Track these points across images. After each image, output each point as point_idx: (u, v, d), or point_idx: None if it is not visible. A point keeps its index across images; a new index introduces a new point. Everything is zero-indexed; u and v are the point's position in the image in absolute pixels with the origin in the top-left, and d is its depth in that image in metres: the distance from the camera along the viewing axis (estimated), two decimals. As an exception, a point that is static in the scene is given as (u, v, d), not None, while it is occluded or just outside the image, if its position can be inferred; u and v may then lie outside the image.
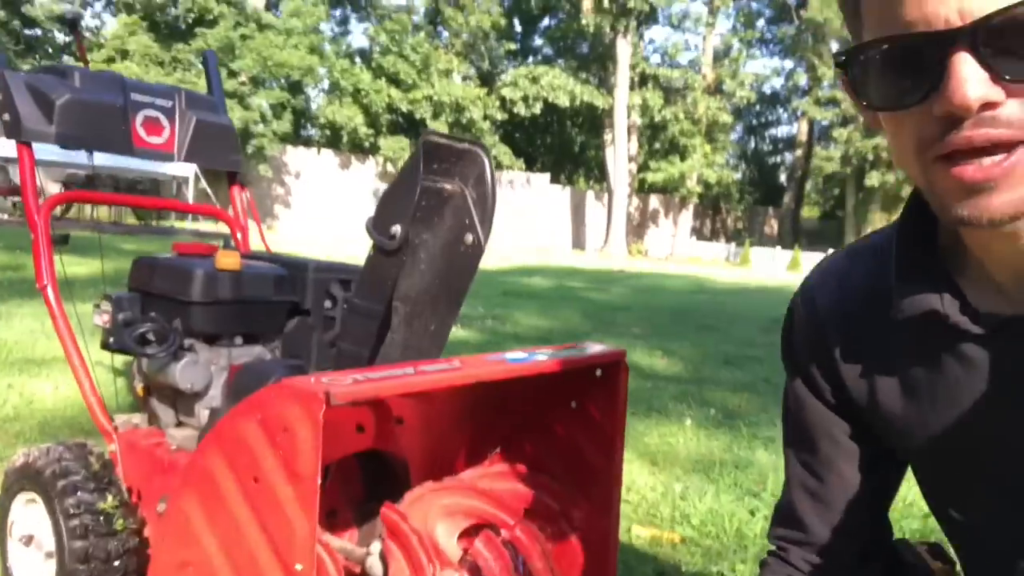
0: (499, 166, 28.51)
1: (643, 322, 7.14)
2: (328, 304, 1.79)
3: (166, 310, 1.66)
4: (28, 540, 1.57)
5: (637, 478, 2.73)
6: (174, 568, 1.17)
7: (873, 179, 28.92)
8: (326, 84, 26.13)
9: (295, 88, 24.50)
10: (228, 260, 1.63)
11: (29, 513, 1.57)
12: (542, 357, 1.41)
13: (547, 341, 5.55)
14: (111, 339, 1.68)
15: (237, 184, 2.19)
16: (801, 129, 35.38)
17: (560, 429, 1.74)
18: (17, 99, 1.73)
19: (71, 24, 2.55)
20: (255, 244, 2.22)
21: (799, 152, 35.55)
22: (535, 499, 1.69)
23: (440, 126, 25.31)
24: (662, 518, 2.38)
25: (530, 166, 31.71)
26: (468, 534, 1.60)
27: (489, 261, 14.95)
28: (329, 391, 0.99)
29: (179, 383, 1.59)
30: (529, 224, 28.34)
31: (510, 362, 1.33)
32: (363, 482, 1.76)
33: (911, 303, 0.71)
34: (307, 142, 27.50)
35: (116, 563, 1.47)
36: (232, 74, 21.88)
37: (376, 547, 1.48)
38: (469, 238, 1.54)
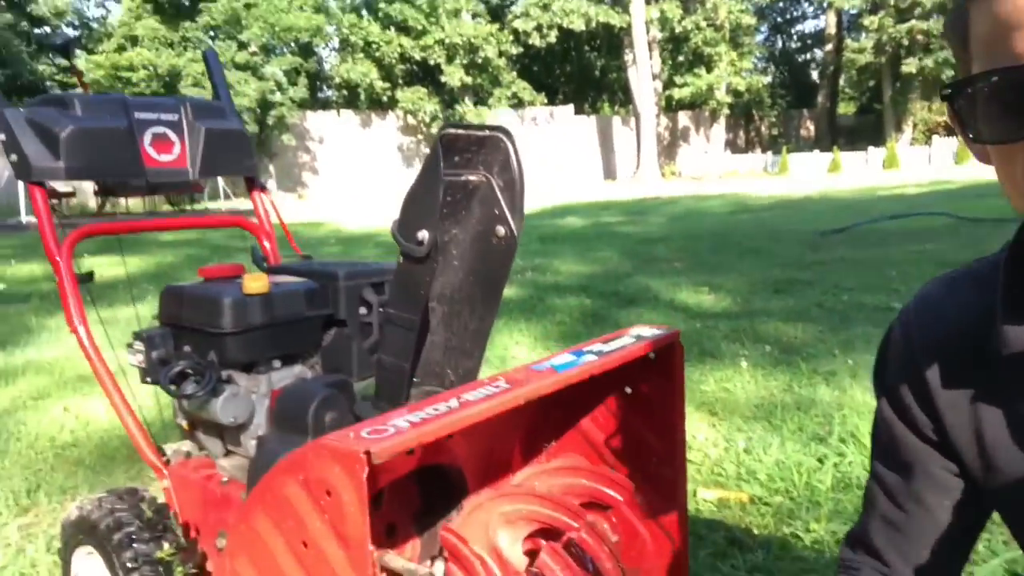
0: (520, 103, 27.99)
1: (684, 253, 6.99)
2: (363, 311, 1.73)
3: (198, 343, 1.62)
4: (95, 590, 1.57)
5: (697, 433, 2.66)
6: (236, 626, 1.15)
7: (910, 66, 27.63)
8: (336, 42, 25.77)
9: (306, 51, 24.24)
10: (255, 284, 1.57)
11: (90, 565, 1.57)
12: (591, 357, 1.33)
13: (588, 288, 5.46)
14: (148, 377, 1.65)
15: (256, 188, 2.12)
16: (829, 21, 33.79)
17: (617, 416, 1.67)
18: (21, 138, 1.67)
19: (63, 50, 2.48)
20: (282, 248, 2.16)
21: (829, 46, 34.05)
22: (597, 492, 1.64)
23: (455, 70, 24.84)
24: (727, 476, 2.32)
25: (552, 99, 31.06)
26: (532, 537, 1.56)
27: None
28: (371, 449, 0.93)
29: (221, 418, 1.55)
30: (558, 159, 27.93)
31: (559, 371, 1.25)
32: (420, 494, 1.72)
33: (1019, 337, 0.64)
34: (325, 104, 27.33)
35: (182, 608, 1.46)
36: (242, 46, 21.69)
37: (440, 568, 1.45)
38: (501, 230, 1.45)
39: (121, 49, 21.00)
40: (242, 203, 20.06)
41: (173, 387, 1.50)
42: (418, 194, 1.31)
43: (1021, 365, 0.66)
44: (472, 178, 1.40)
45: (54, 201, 2.01)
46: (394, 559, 1.61)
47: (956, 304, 0.76)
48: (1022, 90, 0.57)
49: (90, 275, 1.77)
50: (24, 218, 15.11)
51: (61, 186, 1.97)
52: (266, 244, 2.08)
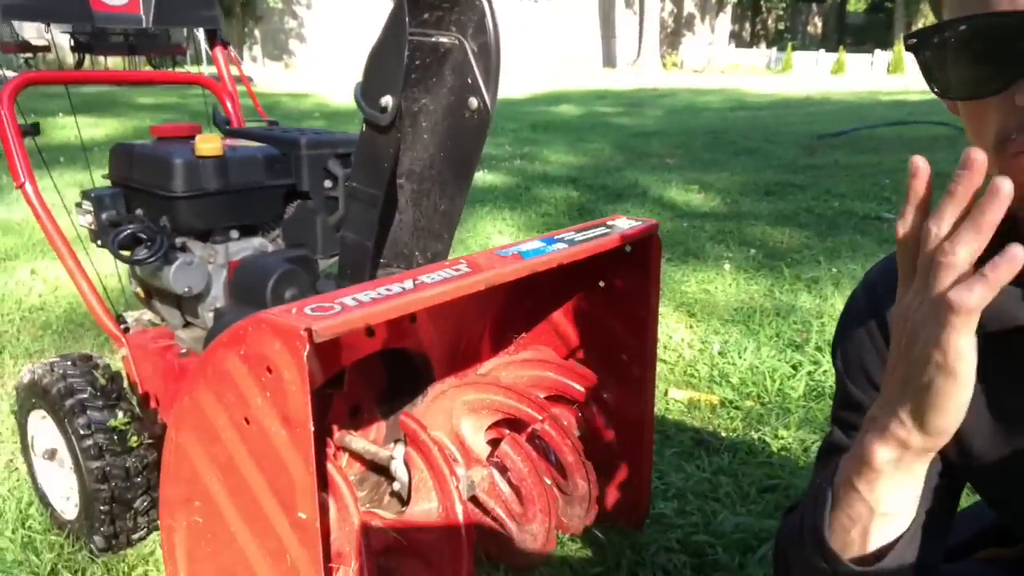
0: (521, -23, 26.57)
1: (678, 149, 6.82)
2: (328, 184, 1.62)
3: (150, 205, 1.52)
4: (51, 454, 1.54)
5: (674, 334, 2.63)
6: (180, 502, 1.11)
7: (929, -36, 26.41)
8: None
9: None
10: (208, 145, 1.45)
11: (45, 428, 1.53)
12: (561, 245, 1.25)
13: (576, 180, 5.33)
14: (98, 240, 1.56)
15: (219, 43, 1.95)
16: (850, -91, 32.01)
17: (589, 309, 1.62)
18: None
19: None
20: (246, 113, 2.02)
21: (848, -62, 32.40)
22: (564, 385, 1.60)
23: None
24: (700, 378, 2.31)
25: (554, -25, 29.51)
26: (497, 427, 1.53)
27: (516, 89, 14.33)
28: (312, 327, 0.86)
29: (174, 287, 1.48)
30: (556, 41, 26.87)
31: (525, 257, 1.18)
32: (387, 378, 1.68)
33: (997, 316, 0.59)
34: (316, -35, 25.78)
35: (138, 479, 1.43)
36: None
37: (400, 451, 1.42)
38: (474, 102, 1.33)
39: None
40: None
41: (124, 252, 1.41)
42: (381, 53, 1.18)
43: (1003, 342, 0.61)
44: (443, 40, 1.27)
45: (28, 55, 1.84)
46: (355, 440, 1.59)
47: None
48: (993, 39, 0.51)
49: (35, 126, 1.65)
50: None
51: (36, 40, 1.80)
52: (228, 106, 1.94)
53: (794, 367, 2.32)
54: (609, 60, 28.74)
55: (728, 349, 2.48)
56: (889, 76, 21.50)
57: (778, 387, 2.20)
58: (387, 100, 1.21)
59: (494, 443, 1.53)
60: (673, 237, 3.86)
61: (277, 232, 1.66)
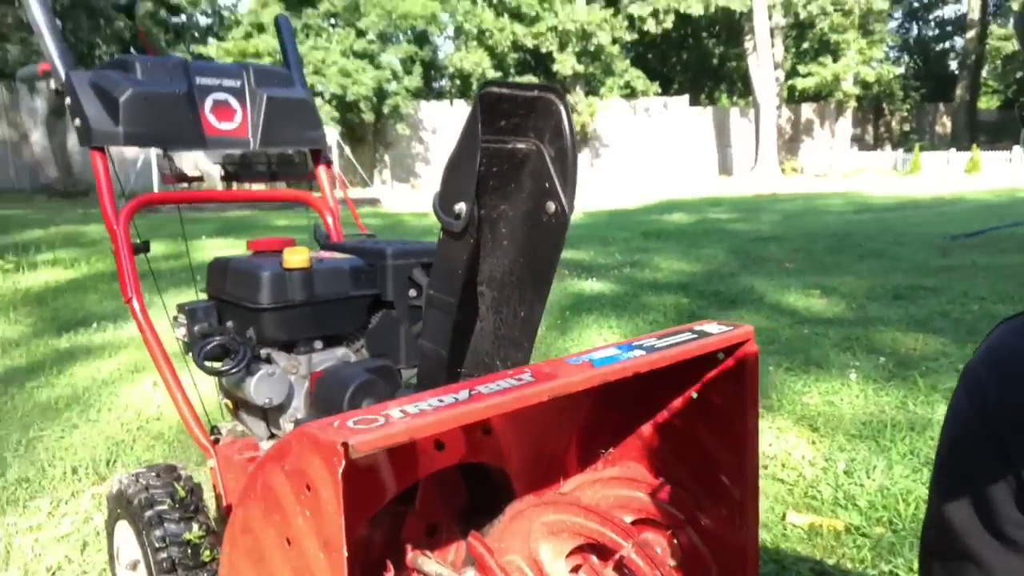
0: (633, 93, 27.43)
1: (797, 254, 6.55)
2: (413, 293, 1.61)
3: (239, 317, 1.55)
4: (134, 565, 1.54)
5: (794, 450, 2.41)
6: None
7: (1066, 57, 25.16)
8: (451, 30, 26.06)
9: (421, 39, 24.63)
10: (295, 258, 1.48)
11: (128, 539, 1.53)
12: (639, 352, 1.16)
13: (687, 287, 5.19)
14: (190, 352, 1.60)
15: (323, 163, 2.04)
16: (972, 5, 31.19)
17: (681, 424, 1.49)
18: (84, 102, 1.65)
19: (127, 10, 2.49)
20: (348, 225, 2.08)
21: (971, 33, 31.43)
22: (654, 507, 1.46)
23: (567, 58, 24.59)
24: (823, 500, 2.07)
25: (666, 89, 30.29)
26: (583, 552, 1.40)
27: (627, 200, 14.47)
28: (350, 441, 0.80)
29: (255, 398, 1.48)
30: (670, 153, 27.20)
31: (596, 366, 1.09)
32: (466, 493, 1.60)
33: None
34: (439, 95, 27.73)
35: (208, 594, 1.40)
36: (360, 33, 22.27)
37: (470, 574, 1.32)
38: (551, 206, 1.30)
39: (248, 36, 22.01)
40: (360, 192, 20.71)
41: (209, 363, 1.44)
42: (456, 162, 1.18)
43: None
44: (520, 146, 1.25)
45: (184, 184, 2.00)
46: (428, 563, 1.49)
47: None
48: None
49: (146, 244, 1.74)
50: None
51: (192, 171, 1.96)
52: (329, 221, 2.00)
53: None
54: (725, 168, 28.70)
55: (855, 468, 2.23)
56: (1031, 172, 20.21)
57: (913, 512, 1.94)
58: (461, 207, 1.20)
59: (578, 570, 1.40)
60: (793, 344, 3.63)
61: (361, 343, 1.65)
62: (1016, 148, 23.60)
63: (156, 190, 16.78)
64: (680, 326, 1.38)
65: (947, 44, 38.15)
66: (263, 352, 1.54)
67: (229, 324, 1.58)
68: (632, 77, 26.73)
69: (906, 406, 2.73)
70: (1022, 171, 20.14)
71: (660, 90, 28.61)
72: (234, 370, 1.44)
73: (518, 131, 1.23)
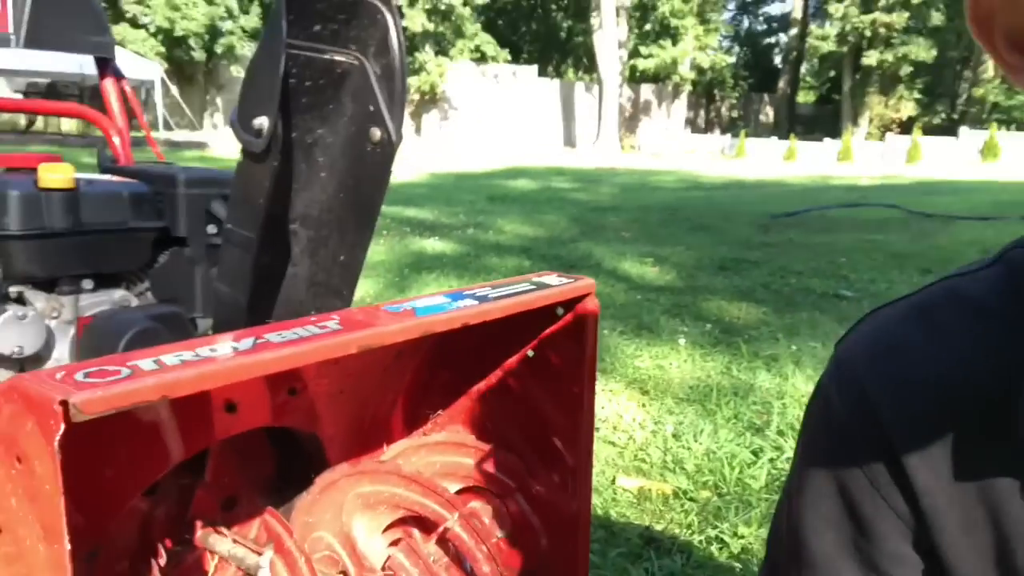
0: (483, 58, 27.31)
1: (634, 224, 6.73)
2: (211, 229, 1.37)
3: None
4: None
5: (625, 413, 2.39)
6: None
7: (871, 58, 27.86)
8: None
9: (262, -22, 23.07)
10: (54, 176, 1.20)
11: None
12: (470, 302, 1.01)
13: (530, 250, 5.16)
14: None
15: (110, 75, 1.72)
16: (795, 5, 33.77)
17: (516, 385, 1.36)
18: None
19: None
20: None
21: (794, 31, 34.10)
22: (483, 475, 1.34)
23: (417, 14, 23.96)
24: (652, 464, 2.05)
25: (516, 57, 30.40)
26: (404, 525, 1.25)
27: (474, 164, 14.37)
28: (71, 399, 0.59)
29: (0, 347, 1.19)
30: (518, 121, 27.39)
31: (419, 315, 0.93)
32: (273, 461, 1.39)
33: None
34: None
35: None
36: (194, -34, 20.48)
37: (267, 559, 1.14)
38: (376, 133, 1.12)
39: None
40: (187, 135, 19.15)
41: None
42: (258, 68, 0.96)
43: None
44: (340, 59, 1.06)
45: None
46: (220, 541, 1.27)
47: (945, 353, 0.48)
48: None
49: None
50: None
51: None
52: (116, 142, 1.69)
53: (755, 453, 2.08)
54: (569, 140, 29.34)
55: (683, 431, 2.24)
56: (839, 163, 22.28)
57: (737, 476, 1.96)
58: (261, 121, 0.99)
59: (397, 545, 1.24)
60: (627, 310, 3.66)
61: (146, 285, 1.39)
62: (827, 140, 25.91)
63: None
64: (518, 276, 1.25)
65: (773, 39, 41.14)
66: (13, 291, 1.25)
67: (-28, 257, 1.26)
68: (482, 42, 26.58)
69: (730, 371, 2.81)
70: (831, 161, 22.14)
71: (510, 58, 28.68)
72: (-29, 311, 1.14)
73: (337, 40, 1.04)
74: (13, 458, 0.65)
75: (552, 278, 1.20)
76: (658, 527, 1.73)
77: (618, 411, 2.41)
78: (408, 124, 24.30)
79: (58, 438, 0.59)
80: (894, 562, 0.49)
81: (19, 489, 0.65)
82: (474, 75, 27.16)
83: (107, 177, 1.35)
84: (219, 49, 21.32)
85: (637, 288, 4.17)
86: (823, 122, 32.92)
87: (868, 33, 27.32)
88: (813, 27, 32.14)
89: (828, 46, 30.03)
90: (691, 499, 1.86)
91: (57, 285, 1.27)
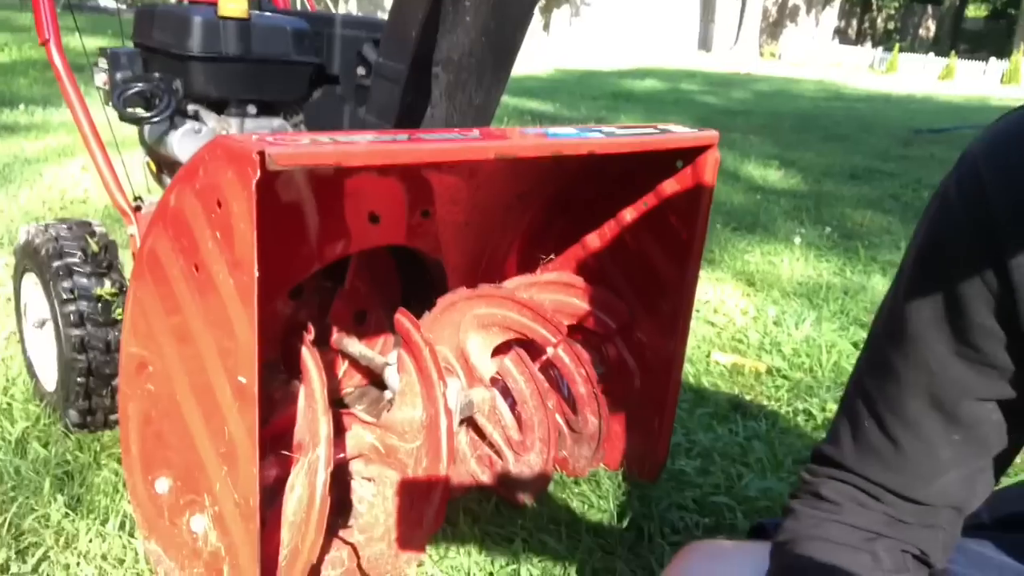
0: (622, -48, 25.90)
1: (763, 129, 6.47)
2: (362, 71, 1.49)
3: (166, 67, 1.41)
4: (42, 324, 1.47)
5: (728, 299, 2.43)
6: (135, 370, 1.01)
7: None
8: None
9: None
10: (232, 6, 1.34)
11: (36, 293, 1.45)
12: (597, 135, 1.08)
13: (650, 143, 5.09)
14: (109, 101, 1.47)
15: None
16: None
17: (628, 237, 1.44)
18: None
19: None
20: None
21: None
22: (589, 314, 1.44)
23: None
24: (749, 344, 2.11)
25: (657, -47, 28.66)
26: (508, 348, 1.38)
27: (602, 63, 13.96)
28: (267, 151, 0.72)
29: (177, 154, 1.38)
30: (652, 21, 26.16)
31: (551, 138, 1.01)
32: (400, 284, 1.55)
33: None
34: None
35: (117, 354, 1.34)
36: None
37: (394, 356, 1.30)
38: None
39: None
40: None
41: (124, 108, 1.31)
42: None
43: None
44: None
45: None
46: (353, 344, 1.46)
47: None
48: None
49: None
50: (102, 1, 14.84)
51: None
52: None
53: (855, 345, 2.09)
54: (705, 43, 27.84)
55: (784, 319, 2.26)
56: (1003, 86, 20.20)
57: (835, 361, 1.98)
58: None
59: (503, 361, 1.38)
60: (744, 208, 3.62)
61: (300, 117, 1.54)
62: (993, 60, 23.42)
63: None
64: (643, 123, 1.30)
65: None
66: (190, 108, 1.42)
67: (155, 74, 1.44)
68: (623, -67, 25.16)
69: (844, 273, 2.77)
70: (995, 84, 20.12)
71: (650, -49, 27.08)
72: (156, 119, 1.32)
73: None
74: (214, 203, 0.80)
75: (676, 127, 1.26)
76: (747, 397, 1.81)
77: (721, 297, 2.45)
78: (537, 19, 23.61)
79: (255, 183, 0.73)
80: (982, 334, 0.54)
81: (217, 231, 0.81)
82: (610, -31, 25.94)
83: (276, 15, 1.48)
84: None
85: (757, 189, 4.08)
86: (993, 40, 29.64)
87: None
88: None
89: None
90: (784, 377, 1.92)
91: (226, 107, 1.43)
